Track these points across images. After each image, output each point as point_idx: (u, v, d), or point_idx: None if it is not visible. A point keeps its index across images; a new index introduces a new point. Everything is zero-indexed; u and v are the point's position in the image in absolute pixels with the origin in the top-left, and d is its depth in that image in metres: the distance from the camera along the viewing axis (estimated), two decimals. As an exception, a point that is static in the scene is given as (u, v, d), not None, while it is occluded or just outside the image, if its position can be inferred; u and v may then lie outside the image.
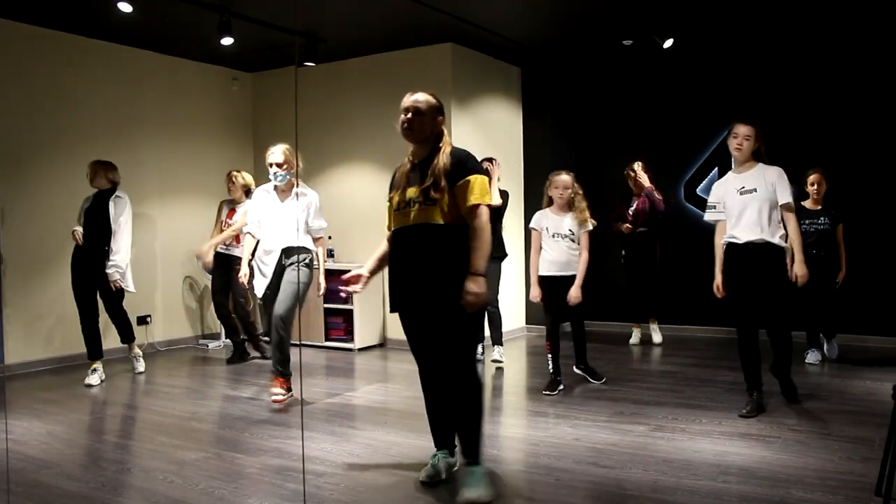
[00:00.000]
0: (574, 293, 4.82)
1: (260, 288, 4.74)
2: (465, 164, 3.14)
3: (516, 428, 4.28)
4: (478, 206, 3.08)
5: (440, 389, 3.26)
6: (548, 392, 4.88)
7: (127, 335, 5.73)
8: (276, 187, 4.75)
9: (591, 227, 4.92)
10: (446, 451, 3.37)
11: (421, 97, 3.20)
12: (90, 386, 5.34)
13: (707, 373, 5.38)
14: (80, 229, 5.44)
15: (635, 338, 6.84)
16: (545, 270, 4.93)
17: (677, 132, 7.39)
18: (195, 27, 6.13)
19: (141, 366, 5.83)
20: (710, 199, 4.43)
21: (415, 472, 3.39)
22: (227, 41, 5.93)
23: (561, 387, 4.96)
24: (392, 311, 3.28)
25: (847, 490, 3.08)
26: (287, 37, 6.37)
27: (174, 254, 7.13)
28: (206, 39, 6.33)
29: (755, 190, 4.17)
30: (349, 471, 3.46)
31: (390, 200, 3.29)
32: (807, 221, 5.59)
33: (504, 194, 5.83)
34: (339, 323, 6.88)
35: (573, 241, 4.88)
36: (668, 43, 6.48)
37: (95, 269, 5.44)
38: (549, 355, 4.99)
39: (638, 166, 6.55)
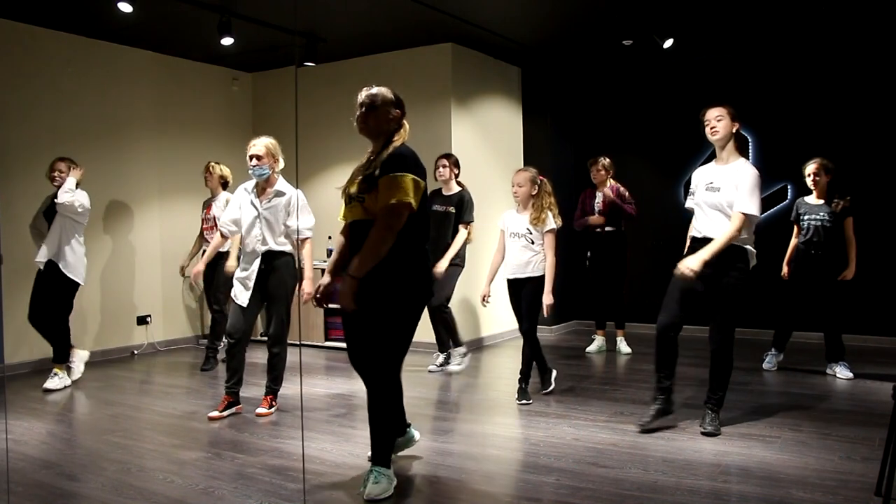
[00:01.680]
0: (545, 300, 4.58)
1: (243, 298, 4.42)
2: (398, 161, 3.03)
3: (516, 428, 4.28)
4: (391, 204, 2.94)
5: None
6: (518, 400, 4.71)
7: (56, 351, 5.34)
8: (256, 185, 4.50)
9: (553, 227, 4.63)
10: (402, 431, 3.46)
11: (374, 90, 3.16)
12: (49, 391, 5.18)
13: (706, 373, 5.36)
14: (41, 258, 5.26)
15: (595, 346, 6.47)
16: (506, 273, 4.75)
17: (677, 132, 7.39)
18: (195, 27, 6.13)
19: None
20: (691, 187, 4.16)
21: (414, 472, 3.39)
22: (227, 41, 5.93)
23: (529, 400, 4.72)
24: None
25: (847, 490, 3.08)
26: (287, 37, 6.37)
27: (174, 254, 7.13)
28: (206, 39, 6.33)
29: (719, 189, 3.91)
30: (349, 471, 3.46)
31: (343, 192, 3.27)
32: (806, 217, 5.27)
33: (455, 198, 5.57)
34: (339, 323, 6.87)
35: (531, 241, 4.63)
36: (668, 43, 6.48)
37: (55, 273, 5.28)
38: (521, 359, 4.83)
39: (601, 161, 6.22)
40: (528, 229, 4.64)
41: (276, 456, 3.70)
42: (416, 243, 3.11)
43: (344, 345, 6.65)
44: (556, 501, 3.05)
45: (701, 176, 4.11)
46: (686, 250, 4.10)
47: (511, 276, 4.72)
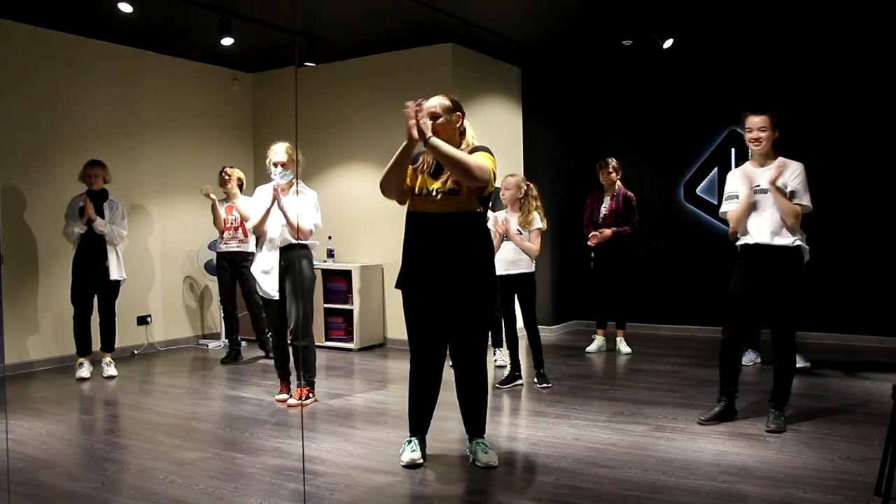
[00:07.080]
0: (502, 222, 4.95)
1: (272, 288, 4.62)
2: None
3: (516, 428, 4.28)
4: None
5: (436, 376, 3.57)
6: (499, 385, 5.11)
7: (111, 342, 5.82)
8: (276, 186, 4.69)
9: (540, 226, 5.01)
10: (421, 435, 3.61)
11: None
12: (83, 379, 5.53)
13: (707, 373, 5.37)
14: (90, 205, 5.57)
15: (595, 346, 6.45)
16: (499, 269, 4.90)
17: (677, 132, 7.39)
18: (195, 27, 6.12)
19: (113, 370, 5.74)
20: (729, 189, 4.04)
21: (414, 472, 3.39)
22: (227, 41, 5.92)
23: (520, 382, 5.15)
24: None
25: (847, 490, 3.08)
26: (287, 37, 6.37)
27: (174, 253, 7.13)
28: (206, 39, 6.33)
29: (767, 191, 3.86)
30: (349, 471, 3.46)
31: None
32: None
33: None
34: (339, 323, 6.87)
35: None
36: (668, 43, 6.47)
37: (95, 270, 5.59)
38: (507, 351, 5.25)
39: (612, 162, 6.23)
40: (518, 230, 5.00)
41: (276, 456, 3.70)
42: None
43: (343, 345, 6.74)
44: (556, 501, 3.05)
45: (742, 178, 3.99)
46: (740, 256, 4.03)
47: (503, 273, 4.93)
